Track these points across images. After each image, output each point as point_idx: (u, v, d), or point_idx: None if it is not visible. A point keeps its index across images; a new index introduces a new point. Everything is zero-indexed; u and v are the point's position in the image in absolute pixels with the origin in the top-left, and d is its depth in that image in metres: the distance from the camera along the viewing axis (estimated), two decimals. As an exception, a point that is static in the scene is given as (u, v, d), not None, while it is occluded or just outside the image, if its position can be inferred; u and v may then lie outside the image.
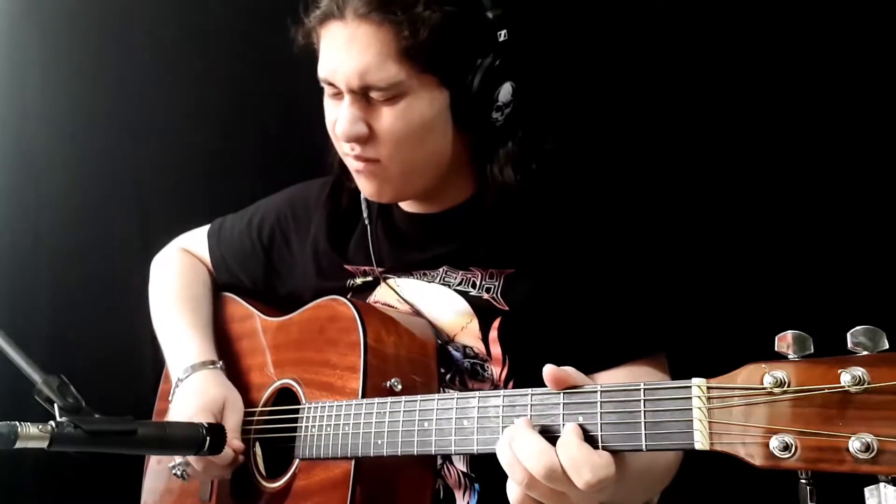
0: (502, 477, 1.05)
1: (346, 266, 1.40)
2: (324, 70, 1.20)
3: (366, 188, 1.29)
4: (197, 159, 1.98)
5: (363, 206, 1.38)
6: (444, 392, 1.26)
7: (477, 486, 1.25)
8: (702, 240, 1.47)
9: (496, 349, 1.24)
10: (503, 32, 1.19)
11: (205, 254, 1.58)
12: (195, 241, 1.60)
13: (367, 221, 1.37)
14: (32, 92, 2.11)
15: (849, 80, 1.37)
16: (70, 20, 2.08)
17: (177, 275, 1.56)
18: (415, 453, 1.06)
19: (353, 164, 1.26)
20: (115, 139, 2.05)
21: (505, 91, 1.20)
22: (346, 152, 1.25)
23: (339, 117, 1.20)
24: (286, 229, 1.48)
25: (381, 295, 1.35)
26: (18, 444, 0.97)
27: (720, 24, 1.49)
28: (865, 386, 0.72)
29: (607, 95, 1.57)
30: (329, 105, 1.25)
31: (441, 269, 1.31)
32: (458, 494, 1.25)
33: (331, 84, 1.20)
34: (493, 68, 1.18)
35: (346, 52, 1.16)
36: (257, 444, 1.34)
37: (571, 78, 1.57)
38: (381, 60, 1.14)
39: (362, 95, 1.18)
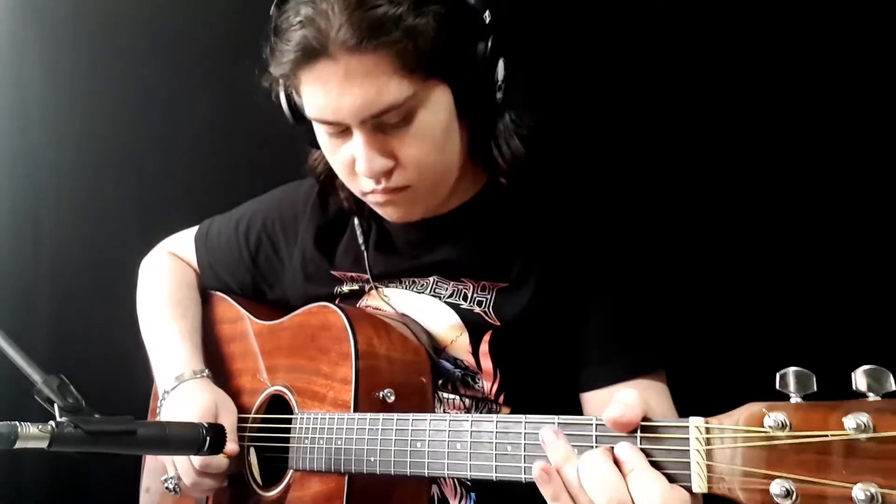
0: (498, 486, 1.04)
1: (333, 272, 1.37)
2: (321, 111, 1.10)
3: (393, 214, 1.21)
4: (199, 159, 1.95)
5: (353, 217, 1.34)
6: (437, 397, 1.24)
7: (473, 494, 1.23)
8: (703, 269, 1.44)
9: (487, 363, 1.21)
10: (486, 13, 1.13)
11: (192, 258, 1.55)
12: (182, 245, 1.57)
13: (358, 231, 1.33)
14: (33, 92, 2.08)
15: (855, 82, 1.33)
16: (71, 19, 2.05)
17: (164, 280, 1.53)
18: (408, 474, 1.04)
19: (378, 199, 1.17)
20: (116, 139, 2.03)
21: (500, 69, 1.16)
22: (367, 190, 1.16)
23: (357, 156, 1.11)
24: (273, 234, 1.45)
25: (371, 302, 1.32)
26: (18, 444, 0.96)
27: (719, 18, 1.45)
28: (870, 434, 0.69)
29: (608, 92, 1.53)
30: (332, 143, 1.15)
31: (431, 279, 1.28)
32: (454, 502, 1.24)
33: (333, 123, 1.11)
34: (489, 50, 1.12)
35: (345, 88, 1.06)
36: (252, 450, 1.32)
37: (565, 66, 1.53)
38: (386, 83, 1.05)
39: (374, 127, 1.09)
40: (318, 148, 1.22)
